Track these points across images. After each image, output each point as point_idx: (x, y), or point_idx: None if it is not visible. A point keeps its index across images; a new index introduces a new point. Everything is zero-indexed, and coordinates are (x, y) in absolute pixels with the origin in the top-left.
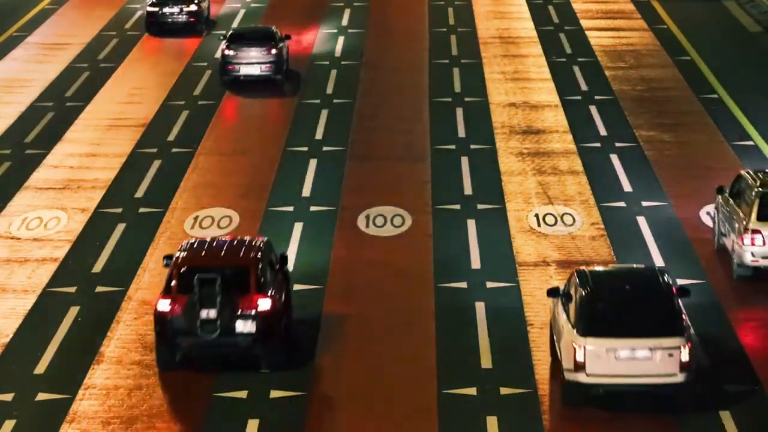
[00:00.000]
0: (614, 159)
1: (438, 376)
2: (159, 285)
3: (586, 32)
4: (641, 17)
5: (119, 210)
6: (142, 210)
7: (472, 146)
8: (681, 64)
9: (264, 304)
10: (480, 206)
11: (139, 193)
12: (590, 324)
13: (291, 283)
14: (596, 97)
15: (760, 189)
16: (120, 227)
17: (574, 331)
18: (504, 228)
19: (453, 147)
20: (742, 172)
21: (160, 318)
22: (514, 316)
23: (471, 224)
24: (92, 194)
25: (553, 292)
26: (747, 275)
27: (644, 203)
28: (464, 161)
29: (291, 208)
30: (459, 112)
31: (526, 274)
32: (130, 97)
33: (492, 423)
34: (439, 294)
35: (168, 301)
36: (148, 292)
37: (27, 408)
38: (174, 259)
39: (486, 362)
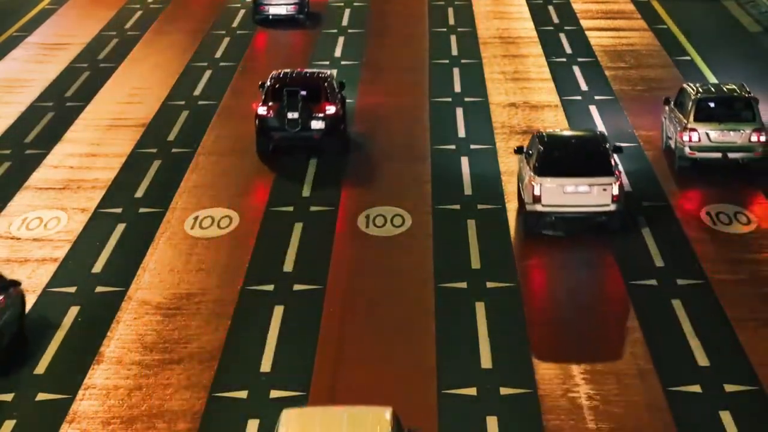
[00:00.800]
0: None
1: (438, 376)
2: (159, 285)
3: (586, 32)
4: (641, 17)
5: (119, 210)
6: (142, 210)
7: (472, 146)
8: (681, 64)
9: (330, 109)
10: (480, 206)
11: (139, 193)
12: (545, 167)
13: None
14: (596, 97)
15: (697, 96)
16: (120, 227)
17: (534, 174)
18: (504, 228)
19: (453, 147)
20: (684, 85)
21: (260, 119)
22: (514, 316)
23: (471, 224)
24: (92, 194)
25: (519, 150)
26: (686, 166)
27: (644, 203)
28: (464, 161)
29: (291, 208)
30: (459, 112)
31: (526, 274)
32: (130, 97)
33: (492, 423)
34: (439, 294)
35: (265, 108)
36: (148, 292)
37: (27, 408)
38: (268, 81)
39: (486, 362)
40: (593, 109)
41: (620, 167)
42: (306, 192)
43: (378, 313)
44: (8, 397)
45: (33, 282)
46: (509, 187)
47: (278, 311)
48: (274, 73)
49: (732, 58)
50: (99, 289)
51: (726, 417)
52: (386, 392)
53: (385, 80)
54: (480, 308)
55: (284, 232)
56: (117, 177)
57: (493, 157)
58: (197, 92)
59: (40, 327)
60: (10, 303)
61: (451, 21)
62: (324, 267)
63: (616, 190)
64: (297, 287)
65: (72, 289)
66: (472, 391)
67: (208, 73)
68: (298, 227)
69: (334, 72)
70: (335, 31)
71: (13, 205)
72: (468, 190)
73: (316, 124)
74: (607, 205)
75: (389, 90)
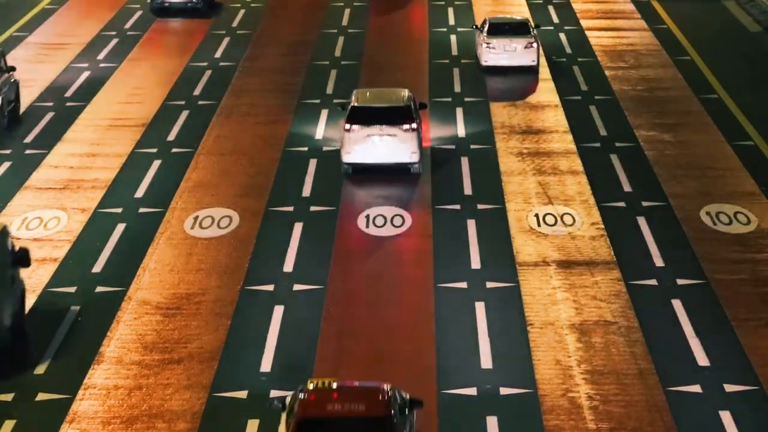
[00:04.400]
0: (614, 159)
1: (438, 376)
2: (159, 285)
3: (586, 32)
4: (641, 17)
5: (119, 210)
6: (142, 210)
7: (472, 146)
8: (681, 64)
9: None
10: (480, 206)
11: (139, 193)
12: None
13: None
14: (596, 97)
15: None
16: (120, 227)
17: None
18: (504, 228)
19: (453, 147)
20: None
21: None
22: (514, 316)
23: (471, 224)
24: (92, 194)
25: None
26: None
27: (644, 203)
28: (464, 161)
29: (291, 208)
30: (459, 112)
31: (526, 274)
32: (130, 97)
33: (492, 423)
34: (439, 294)
35: None
36: (148, 292)
37: (27, 408)
38: None
39: (486, 362)
40: (593, 109)
41: None
42: (306, 192)
43: (378, 313)
44: (8, 397)
45: (33, 282)
46: (509, 187)
47: (278, 311)
48: None
49: (732, 58)
50: (99, 289)
51: (726, 417)
52: None
53: (385, 80)
54: (480, 308)
55: (284, 232)
56: (117, 177)
57: (493, 157)
58: (197, 92)
59: (40, 327)
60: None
61: (451, 21)
62: (324, 267)
63: None
64: (297, 287)
65: (72, 289)
66: (472, 391)
67: (208, 73)
68: (298, 227)
69: None
70: (335, 31)
71: (13, 205)
72: (468, 190)
73: None
74: None
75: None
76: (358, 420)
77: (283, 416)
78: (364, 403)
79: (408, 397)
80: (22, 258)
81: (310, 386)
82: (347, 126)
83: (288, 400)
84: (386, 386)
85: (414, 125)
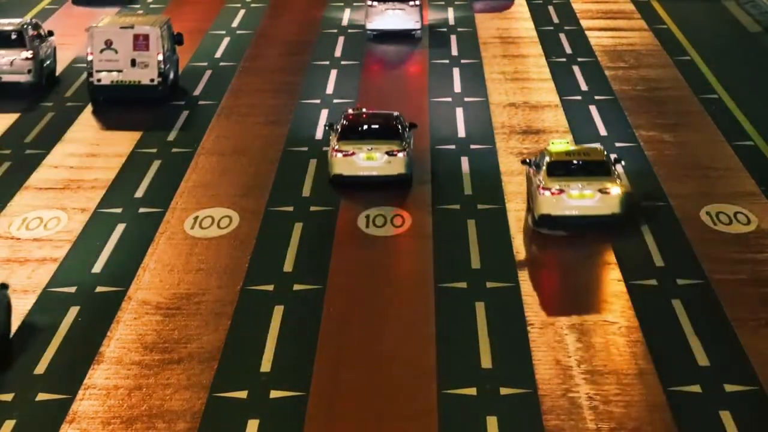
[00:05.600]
0: None
1: (438, 376)
2: (159, 285)
3: (586, 32)
4: (641, 17)
5: (119, 210)
6: (142, 210)
7: (472, 146)
8: (681, 64)
9: None
10: (480, 206)
11: (139, 193)
12: None
13: None
14: (596, 97)
15: None
16: (120, 227)
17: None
18: (504, 228)
19: (453, 147)
20: None
21: None
22: (514, 316)
23: (471, 224)
24: (92, 194)
25: None
26: None
27: (644, 203)
28: (464, 161)
29: (291, 208)
30: (459, 112)
31: (526, 274)
32: None
33: (492, 423)
34: (439, 294)
35: None
36: (148, 292)
37: (27, 408)
38: None
39: (486, 362)
40: (593, 109)
41: None
42: (306, 192)
43: (378, 312)
44: (8, 397)
45: (33, 282)
46: (509, 187)
47: (278, 311)
48: None
49: (732, 58)
50: (99, 289)
51: (726, 417)
52: (386, 392)
53: (385, 80)
54: (480, 308)
55: (284, 232)
56: (117, 177)
57: (493, 157)
58: (197, 92)
59: (40, 327)
60: None
61: (452, 21)
62: (324, 267)
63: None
64: (297, 287)
65: (72, 289)
66: (472, 391)
67: (208, 73)
68: (298, 227)
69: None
70: (335, 30)
71: (13, 205)
72: (468, 190)
73: None
74: None
75: (389, 90)
76: (378, 128)
77: (332, 134)
78: (382, 118)
79: (408, 123)
80: (180, 40)
81: (350, 111)
82: (369, 2)
83: (334, 125)
84: (395, 113)
85: (418, 2)
